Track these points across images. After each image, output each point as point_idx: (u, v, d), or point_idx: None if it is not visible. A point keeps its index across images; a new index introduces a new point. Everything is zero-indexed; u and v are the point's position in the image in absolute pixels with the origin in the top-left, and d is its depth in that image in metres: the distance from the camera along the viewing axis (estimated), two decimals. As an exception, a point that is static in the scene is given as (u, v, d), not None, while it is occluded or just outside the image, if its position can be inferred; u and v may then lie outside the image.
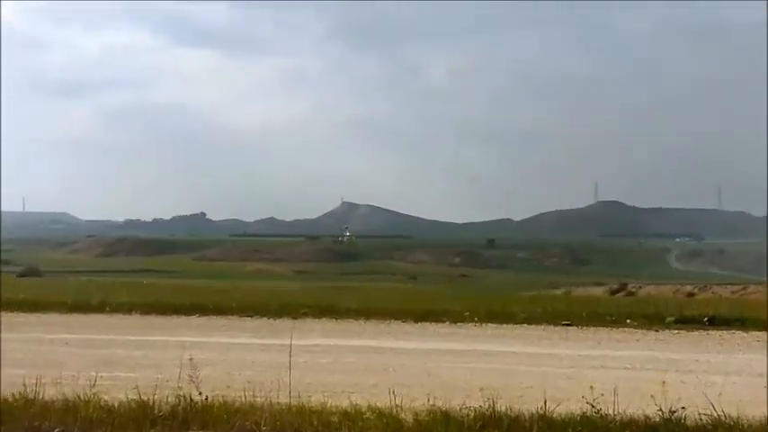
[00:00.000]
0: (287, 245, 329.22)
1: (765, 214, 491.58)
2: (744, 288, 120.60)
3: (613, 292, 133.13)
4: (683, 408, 12.97)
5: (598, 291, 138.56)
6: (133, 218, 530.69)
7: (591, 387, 12.00)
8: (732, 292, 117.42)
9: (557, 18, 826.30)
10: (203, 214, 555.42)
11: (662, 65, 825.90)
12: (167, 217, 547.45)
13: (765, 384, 16.54)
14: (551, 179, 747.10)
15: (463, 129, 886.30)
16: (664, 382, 12.46)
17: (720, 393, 15.50)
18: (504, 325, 28.24)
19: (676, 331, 27.30)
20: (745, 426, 11.77)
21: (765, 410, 13.45)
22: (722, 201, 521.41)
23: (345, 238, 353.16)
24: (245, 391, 14.08)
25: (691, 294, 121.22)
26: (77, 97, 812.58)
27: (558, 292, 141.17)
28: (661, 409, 11.71)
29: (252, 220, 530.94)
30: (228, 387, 15.14)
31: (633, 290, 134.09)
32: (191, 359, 13.10)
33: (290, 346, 15.11)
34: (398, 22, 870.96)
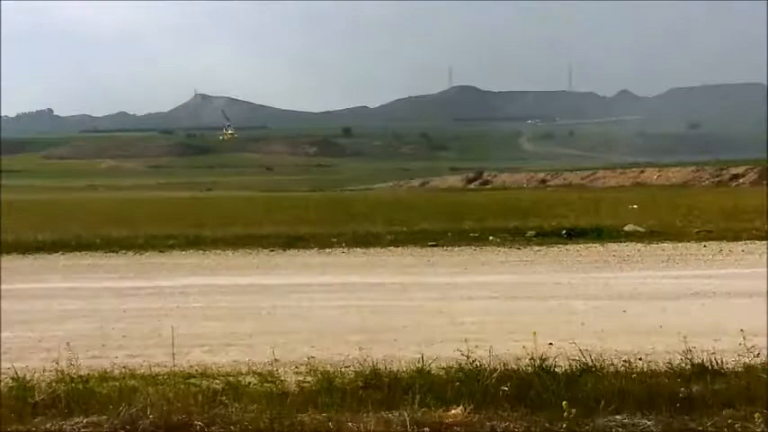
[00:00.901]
0: (140, 140, 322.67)
1: (613, 95, 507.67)
2: (593, 174, 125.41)
3: (470, 181, 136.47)
4: (550, 344, 13.57)
5: (454, 179, 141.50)
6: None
7: (465, 339, 12.32)
8: (582, 179, 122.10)
9: None
10: (50, 110, 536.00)
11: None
12: (12, 114, 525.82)
13: (623, 309, 17.33)
14: (406, 66, 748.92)
15: (317, 20, 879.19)
16: (535, 333, 12.77)
17: (583, 323, 16.22)
18: (372, 249, 28.81)
19: (538, 248, 28.42)
20: (610, 372, 12.25)
21: (623, 340, 14.18)
22: (572, 82, 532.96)
23: (227, 135, 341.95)
24: (121, 350, 14.03)
25: (543, 181, 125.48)
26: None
27: (415, 183, 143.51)
28: (533, 358, 12.03)
29: (101, 114, 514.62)
30: (104, 345, 14.92)
31: (489, 178, 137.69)
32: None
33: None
34: None
